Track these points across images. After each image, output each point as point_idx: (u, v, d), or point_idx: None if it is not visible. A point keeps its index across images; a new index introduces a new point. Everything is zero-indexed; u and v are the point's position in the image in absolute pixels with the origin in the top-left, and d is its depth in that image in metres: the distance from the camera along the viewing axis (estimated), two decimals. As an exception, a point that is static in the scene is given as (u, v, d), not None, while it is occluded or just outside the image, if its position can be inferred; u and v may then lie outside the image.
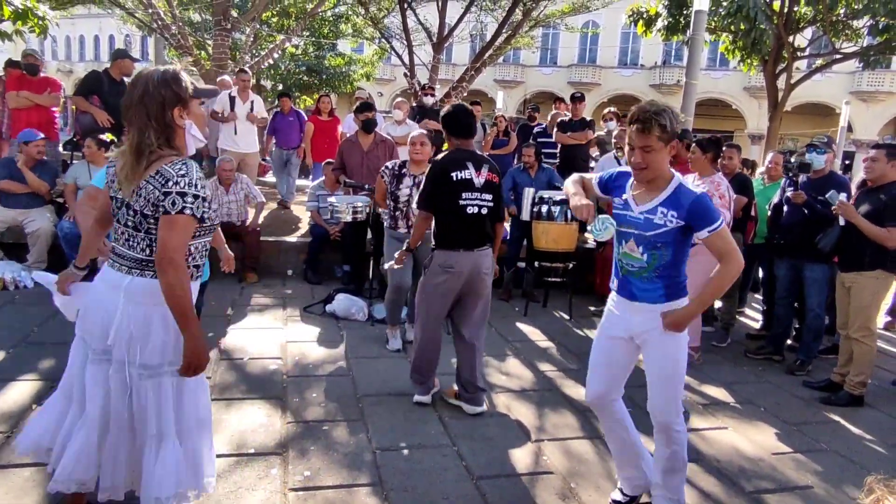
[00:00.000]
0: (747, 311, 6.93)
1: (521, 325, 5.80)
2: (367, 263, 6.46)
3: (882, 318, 6.21)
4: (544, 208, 5.92)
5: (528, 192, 6.19)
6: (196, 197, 2.14)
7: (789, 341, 5.60)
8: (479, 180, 3.71)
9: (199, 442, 2.35)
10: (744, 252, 5.73)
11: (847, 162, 26.44)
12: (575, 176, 2.96)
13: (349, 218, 5.72)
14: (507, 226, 7.46)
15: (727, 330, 5.77)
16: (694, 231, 2.56)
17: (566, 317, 6.11)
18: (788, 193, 5.06)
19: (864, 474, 3.47)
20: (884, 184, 4.35)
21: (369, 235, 6.27)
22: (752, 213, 5.93)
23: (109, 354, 2.21)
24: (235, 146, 7.50)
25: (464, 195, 3.66)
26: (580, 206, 2.66)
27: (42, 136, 6.18)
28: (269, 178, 10.79)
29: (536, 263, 6.25)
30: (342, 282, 6.47)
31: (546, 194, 6.03)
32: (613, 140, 7.27)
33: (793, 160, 5.22)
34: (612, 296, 2.85)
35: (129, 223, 2.20)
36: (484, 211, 3.72)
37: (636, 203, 2.66)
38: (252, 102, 7.65)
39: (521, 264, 6.72)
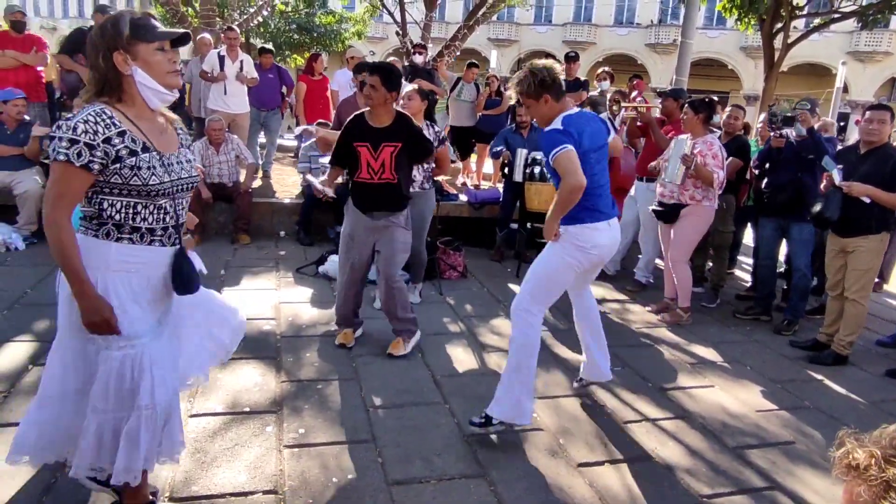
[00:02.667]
0: (737, 272, 7.00)
1: (512, 286, 5.84)
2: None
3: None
4: (537, 169, 5.91)
5: (521, 154, 6.18)
6: (73, 142, 1.89)
7: (778, 301, 5.69)
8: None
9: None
10: (736, 214, 5.81)
11: (842, 123, 26.35)
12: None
13: (342, 179, 5.69)
14: (499, 187, 7.48)
15: (716, 291, 5.84)
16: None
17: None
18: (770, 140, 5.10)
19: (841, 428, 3.57)
20: (878, 146, 4.32)
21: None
22: (748, 176, 5.94)
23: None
24: (226, 107, 7.40)
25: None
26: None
27: (21, 94, 6.00)
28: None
29: (529, 224, 6.26)
30: (335, 243, 6.47)
31: (538, 155, 6.01)
32: (607, 100, 7.22)
33: (777, 112, 5.22)
34: None
35: None
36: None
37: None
38: (241, 62, 7.53)
39: (514, 225, 6.73)
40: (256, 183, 7.47)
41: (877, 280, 6.63)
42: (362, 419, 3.25)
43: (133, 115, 2.04)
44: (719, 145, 4.99)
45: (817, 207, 4.43)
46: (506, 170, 6.55)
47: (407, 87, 5.93)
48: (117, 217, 2.04)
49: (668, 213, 5.08)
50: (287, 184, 7.78)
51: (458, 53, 14.65)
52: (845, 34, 26.85)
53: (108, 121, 1.97)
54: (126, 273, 2.07)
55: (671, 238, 5.13)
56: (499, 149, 6.44)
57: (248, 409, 3.26)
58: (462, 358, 4.15)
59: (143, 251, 2.09)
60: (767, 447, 3.34)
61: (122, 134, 1.98)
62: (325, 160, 5.76)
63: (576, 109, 3.14)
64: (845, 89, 23.25)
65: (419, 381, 3.73)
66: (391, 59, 8.60)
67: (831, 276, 4.60)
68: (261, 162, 8.09)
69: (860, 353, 4.75)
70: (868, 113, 4.33)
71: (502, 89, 8.64)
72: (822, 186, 4.53)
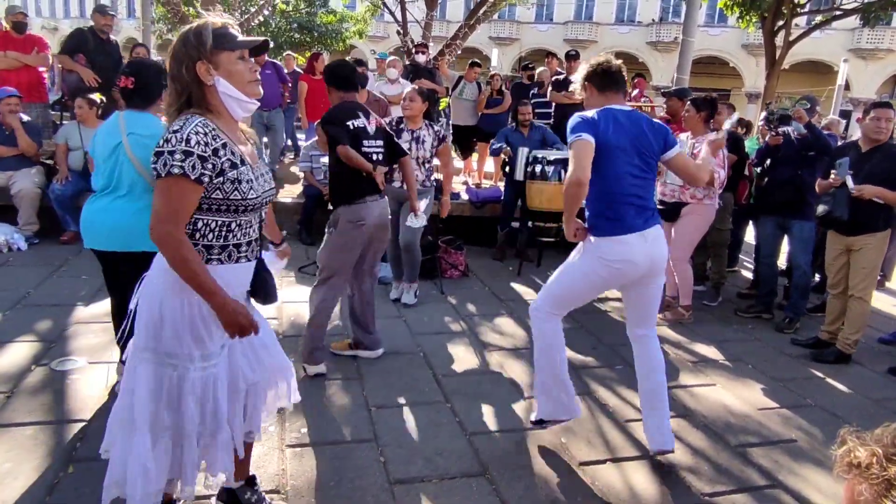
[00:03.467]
0: (738, 270, 7.00)
1: (514, 285, 5.85)
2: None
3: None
4: (538, 168, 5.91)
5: (522, 152, 6.17)
6: (188, 154, 1.84)
7: (779, 299, 5.68)
8: (371, 128, 3.76)
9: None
10: (735, 212, 5.80)
11: (844, 121, 26.29)
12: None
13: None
14: (501, 186, 7.49)
15: (717, 289, 5.83)
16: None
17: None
18: (767, 139, 5.10)
19: (844, 426, 3.57)
20: (881, 144, 4.31)
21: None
22: (746, 172, 5.93)
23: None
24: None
25: (364, 143, 3.69)
26: None
27: (14, 92, 5.91)
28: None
29: (530, 223, 6.27)
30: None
31: (540, 154, 6.01)
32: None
33: (774, 111, 5.22)
34: None
35: None
36: (381, 158, 3.78)
37: None
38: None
39: (516, 224, 6.74)
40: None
41: (878, 276, 6.64)
42: (364, 418, 3.25)
43: (223, 126, 1.97)
44: None
45: (824, 207, 4.41)
46: (507, 168, 6.55)
47: (407, 88, 5.95)
48: (210, 237, 1.97)
49: (669, 212, 5.08)
50: (289, 183, 7.79)
51: (460, 52, 14.65)
52: (847, 31, 26.80)
53: (213, 132, 1.91)
54: None
55: (672, 237, 5.13)
56: (499, 146, 6.44)
57: (250, 409, 3.27)
58: (464, 357, 4.15)
59: (230, 271, 2.03)
60: (769, 445, 3.34)
61: (224, 146, 1.93)
62: (326, 160, 5.78)
63: (627, 107, 2.94)
64: (847, 87, 23.19)
65: (421, 381, 3.74)
66: (392, 58, 8.58)
67: (833, 275, 4.60)
68: (267, 161, 8.09)
69: (862, 351, 4.74)
70: (875, 111, 4.30)
71: (503, 88, 8.66)
72: (817, 186, 4.53)
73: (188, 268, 1.88)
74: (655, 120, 3.06)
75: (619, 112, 2.87)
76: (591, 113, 2.85)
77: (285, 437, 3.03)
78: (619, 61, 3.00)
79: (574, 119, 2.83)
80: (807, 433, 3.51)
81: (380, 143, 3.81)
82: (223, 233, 1.99)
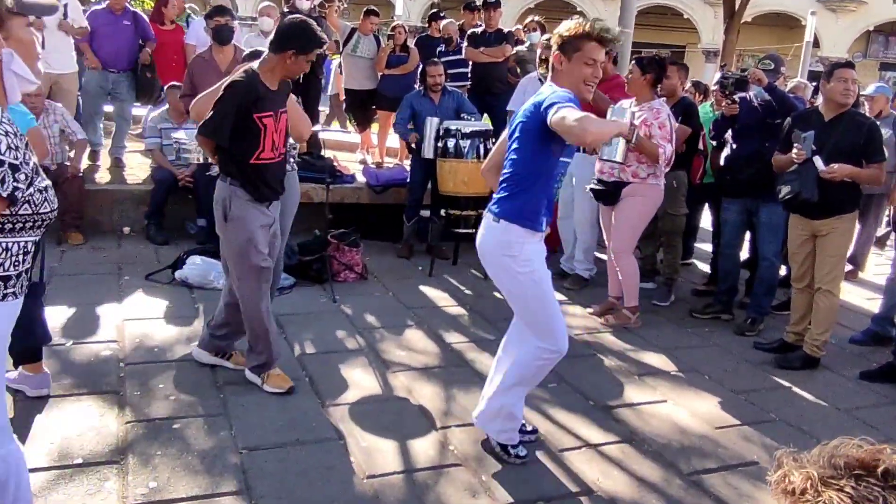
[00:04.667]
0: (695, 262, 7.31)
1: (424, 289, 5.89)
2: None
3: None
4: (451, 142, 5.97)
5: (432, 123, 6.20)
6: None
7: (741, 297, 5.98)
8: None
9: None
10: (689, 194, 6.05)
11: (814, 83, 27.83)
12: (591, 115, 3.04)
13: (201, 159, 5.57)
14: (406, 165, 7.51)
15: (670, 286, 6.08)
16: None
17: (481, 276, 6.25)
18: (723, 108, 5.34)
19: (814, 444, 3.79)
20: (844, 112, 4.59)
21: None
22: (700, 145, 6.19)
23: None
24: (44, 65, 7.05)
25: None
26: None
27: None
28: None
29: (443, 211, 6.32)
30: (196, 240, 6.33)
31: (454, 125, 6.07)
32: (538, 56, 7.36)
33: (728, 74, 5.45)
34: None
35: None
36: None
37: None
38: (66, 5, 7.19)
39: (425, 213, 6.78)
40: (101, 174, 7.18)
41: (850, 267, 7.10)
42: (233, 465, 3.20)
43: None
44: (668, 112, 5.18)
45: (788, 189, 4.64)
46: (413, 144, 6.57)
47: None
48: (7, 265, 2.04)
49: (608, 193, 5.24)
50: (132, 165, 7.52)
51: (354, -3, 14.55)
52: (814, -22, 28.43)
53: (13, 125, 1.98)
54: None
55: (617, 225, 5.30)
56: (406, 128, 6.47)
57: (80, 461, 3.15)
58: (361, 382, 4.15)
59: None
60: (728, 470, 3.52)
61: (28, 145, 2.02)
62: (181, 134, 5.62)
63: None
64: (816, 44, 24.63)
65: (306, 414, 3.71)
66: (265, 4, 8.41)
67: (798, 266, 4.88)
68: (103, 142, 7.76)
69: (831, 354, 5.07)
70: (839, 72, 4.56)
71: (409, 43, 8.67)
72: (774, 162, 4.77)
73: None
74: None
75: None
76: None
77: (127, 495, 2.94)
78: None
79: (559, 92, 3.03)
80: (770, 453, 3.68)
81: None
82: (21, 258, 2.02)
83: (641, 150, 5.02)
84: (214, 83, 5.91)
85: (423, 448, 3.48)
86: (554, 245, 6.25)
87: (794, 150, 4.59)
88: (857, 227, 6.80)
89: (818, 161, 4.47)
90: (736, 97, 5.27)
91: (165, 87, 7.16)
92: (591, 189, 5.39)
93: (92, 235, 6.42)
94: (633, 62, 5.28)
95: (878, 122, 6.21)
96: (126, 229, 6.69)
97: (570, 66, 3.13)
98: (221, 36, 6.06)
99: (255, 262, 3.76)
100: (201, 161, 5.62)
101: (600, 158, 5.26)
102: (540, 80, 6.65)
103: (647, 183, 5.17)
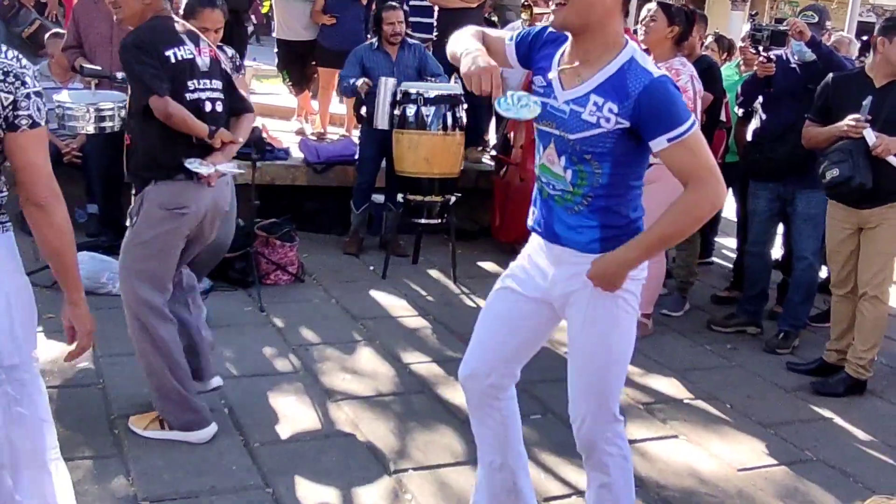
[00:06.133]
0: (715, 260, 7.37)
1: (376, 294, 5.88)
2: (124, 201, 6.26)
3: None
4: (411, 110, 5.93)
5: (387, 85, 6.15)
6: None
7: (771, 304, 6.02)
8: (203, 60, 3.75)
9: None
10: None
11: (864, 38, 28.10)
12: (470, 29, 2.90)
13: (92, 129, 5.48)
14: (355, 137, 7.46)
15: (684, 292, 6.11)
16: (645, 138, 2.54)
17: (446, 278, 6.25)
18: (755, 68, 5.33)
19: (859, 490, 3.86)
20: (894, 80, 4.61)
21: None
22: (724, 117, 6.22)
23: None
24: None
25: (189, 84, 3.68)
26: (479, 70, 2.54)
27: None
28: None
29: (401, 196, 6.29)
30: (85, 232, 6.24)
31: (414, 87, 6.04)
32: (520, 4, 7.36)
33: (763, 28, 5.45)
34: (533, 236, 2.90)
35: None
36: (219, 107, 3.79)
37: (563, 86, 2.62)
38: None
39: (379, 198, 6.75)
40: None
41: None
42: (128, 522, 3.16)
43: None
44: (690, 73, 5.11)
45: (836, 171, 4.58)
46: (363, 110, 6.53)
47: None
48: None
49: None
50: None
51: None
52: None
53: None
54: None
55: None
56: (353, 81, 6.39)
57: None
58: (295, 413, 4.13)
59: None
60: (754, 525, 3.55)
61: None
62: (64, 96, 5.51)
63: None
64: (867, -12, 24.93)
65: (225, 455, 3.67)
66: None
67: (839, 268, 4.92)
68: None
69: (883, 377, 5.14)
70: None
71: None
72: (818, 135, 4.76)
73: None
74: None
75: None
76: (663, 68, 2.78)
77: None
78: None
79: (671, 84, 2.59)
80: (805, 501, 3.75)
81: (217, 84, 3.77)
82: None
83: None
84: (104, 30, 5.88)
85: (372, 496, 3.47)
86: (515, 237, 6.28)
87: (849, 121, 4.54)
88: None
89: (869, 135, 4.50)
90: (772, 54, 5.28)
91: (46, 36, 7.05)
92: None
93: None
94: (658, 7, 5.14)
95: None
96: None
97: None
98: None
99: None
100: (91, 131, 5.54)
101: None
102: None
103: None
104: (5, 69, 2.22)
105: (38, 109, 2.28)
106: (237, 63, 5.01)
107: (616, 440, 2.84)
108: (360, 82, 6.35)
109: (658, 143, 2.48)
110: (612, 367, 2.76)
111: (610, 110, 2.50)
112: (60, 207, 2.36)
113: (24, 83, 2.24)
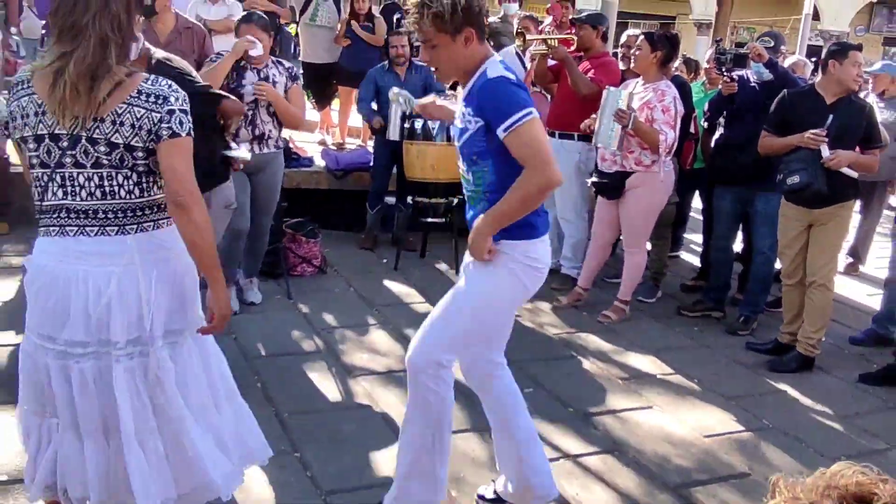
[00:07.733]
0: (683, 255, 7.38)
1: (389, 283, 5.89)
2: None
3: (842, 259, 6.78)
4: (419, 123, 5.95)
5: (398, 101, 6.13)
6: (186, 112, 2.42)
7: (733, 292, 6.04)
8: None
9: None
10: (679, 181, 6.10)
11: (814, 59, 28.00)
12: None
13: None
14: (370, 147, 7.47)
15: (657, 281, 6.12)
16: (493, 130, 2.65)
17: (450, 269, 6.25)
18: (720, 87, 5.35)
19: (810, 454, 3.89)
20: (841, 97, 4.63)
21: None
22: (692, 129, 6.22)
23: (107, 346, 2.41)
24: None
25: None
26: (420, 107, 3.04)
27: None
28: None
29: (410, 199, 6.30)
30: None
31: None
32: (515, 28, 7.34)
33: (726, 52, 5.46)
34: None
35: (104, 162, 2.34)
36: None
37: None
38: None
39: (391, 200, 6.76)
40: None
41: (850, 260, 7.20)
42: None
43: None
44: (674, 95, 5.14)
45: (797, 179, 4.59)
46: (378, 128, 6.53)
47: (236, 10, 5.78)
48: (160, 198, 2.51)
49: (611, 187, 5.25)
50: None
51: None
52: (815, -56, 28.68)
53: None
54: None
55: (626, 222, 5.36)
56: (370, 109, 6.50)
57: None
58: (319, 387, 4.14)
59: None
60: (718, 482, 3.56)
61: None
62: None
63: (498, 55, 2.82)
64: (815, 16, 24.86)
65: (259, 423, 3.66)
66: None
67: (790, 260, 4.94)
68: None
69: (829, 355, 5.15)
70: (854, 54, 4.61)
71: (374, 11, 8.60)
72: (775, 144, 4.77)
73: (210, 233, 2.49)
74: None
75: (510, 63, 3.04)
76: (500, 71, 2.68)
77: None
78: None
79: (500, 89, 2.64)
80: (764, 463, 3.77)
81: None
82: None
83: (639, 135, 5.01)
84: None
85: (386, 460, 3.46)
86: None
87: (812, 133, 4.52)
88: (859, 217, 6.93)
89: (825, 150, 4.51)
90: (734, 74, 5.29)
91: None
92: (593, 183, 5.41)
93: (18, 224, 6.25)
94: (643, 37, 5.21)
95: (881, 104, 6.30)
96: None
97: None
98: (150, 8, 5.82)
99: None
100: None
101: (594, 146, 5.28)
102: (517, 54, 6.65)
103: (653, 171, 5.17)
104: (157, 93, 2.34)
105: (180, 123, 2.36)
106: (293, 73, 5.00)
107: (438, 381, 2.87)
108: (374, 120, 6.50)
109: (499, 134, 2.61)
110: (456, 313, 2.86)
111: (470, 113, 2.73)
112: (198, 207, 2.39)
113: (168, 101, 2.35)
